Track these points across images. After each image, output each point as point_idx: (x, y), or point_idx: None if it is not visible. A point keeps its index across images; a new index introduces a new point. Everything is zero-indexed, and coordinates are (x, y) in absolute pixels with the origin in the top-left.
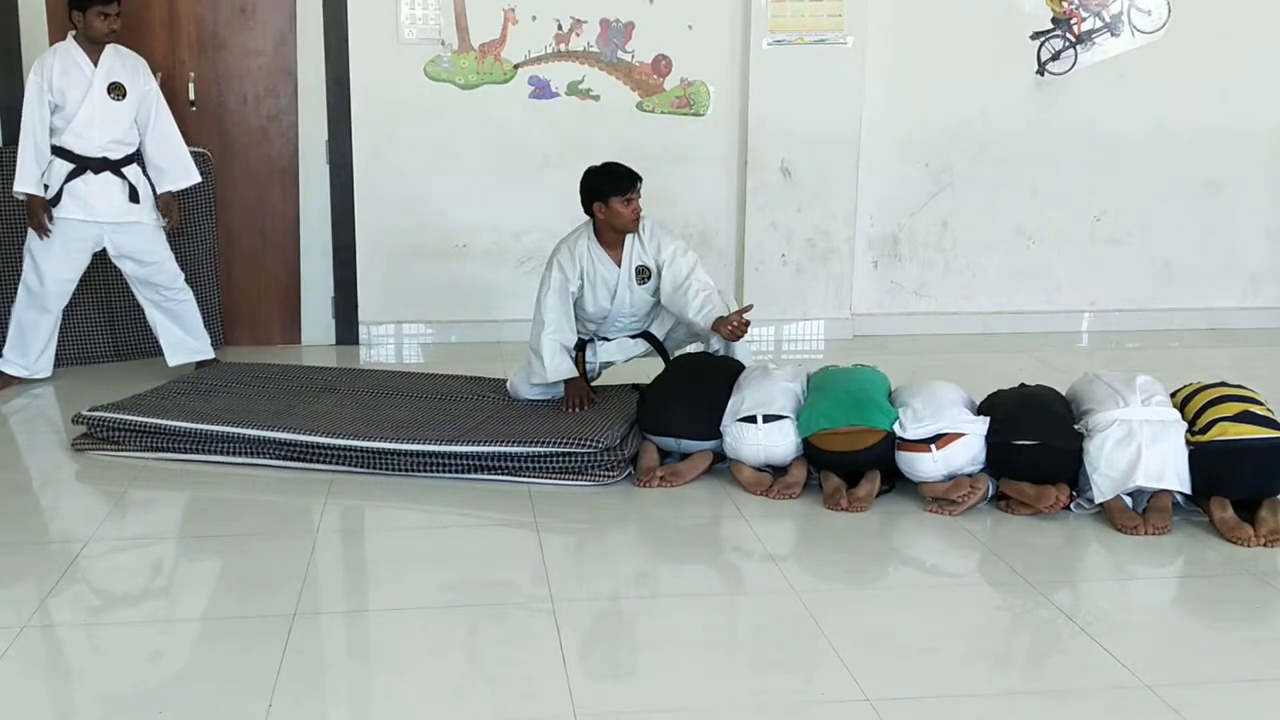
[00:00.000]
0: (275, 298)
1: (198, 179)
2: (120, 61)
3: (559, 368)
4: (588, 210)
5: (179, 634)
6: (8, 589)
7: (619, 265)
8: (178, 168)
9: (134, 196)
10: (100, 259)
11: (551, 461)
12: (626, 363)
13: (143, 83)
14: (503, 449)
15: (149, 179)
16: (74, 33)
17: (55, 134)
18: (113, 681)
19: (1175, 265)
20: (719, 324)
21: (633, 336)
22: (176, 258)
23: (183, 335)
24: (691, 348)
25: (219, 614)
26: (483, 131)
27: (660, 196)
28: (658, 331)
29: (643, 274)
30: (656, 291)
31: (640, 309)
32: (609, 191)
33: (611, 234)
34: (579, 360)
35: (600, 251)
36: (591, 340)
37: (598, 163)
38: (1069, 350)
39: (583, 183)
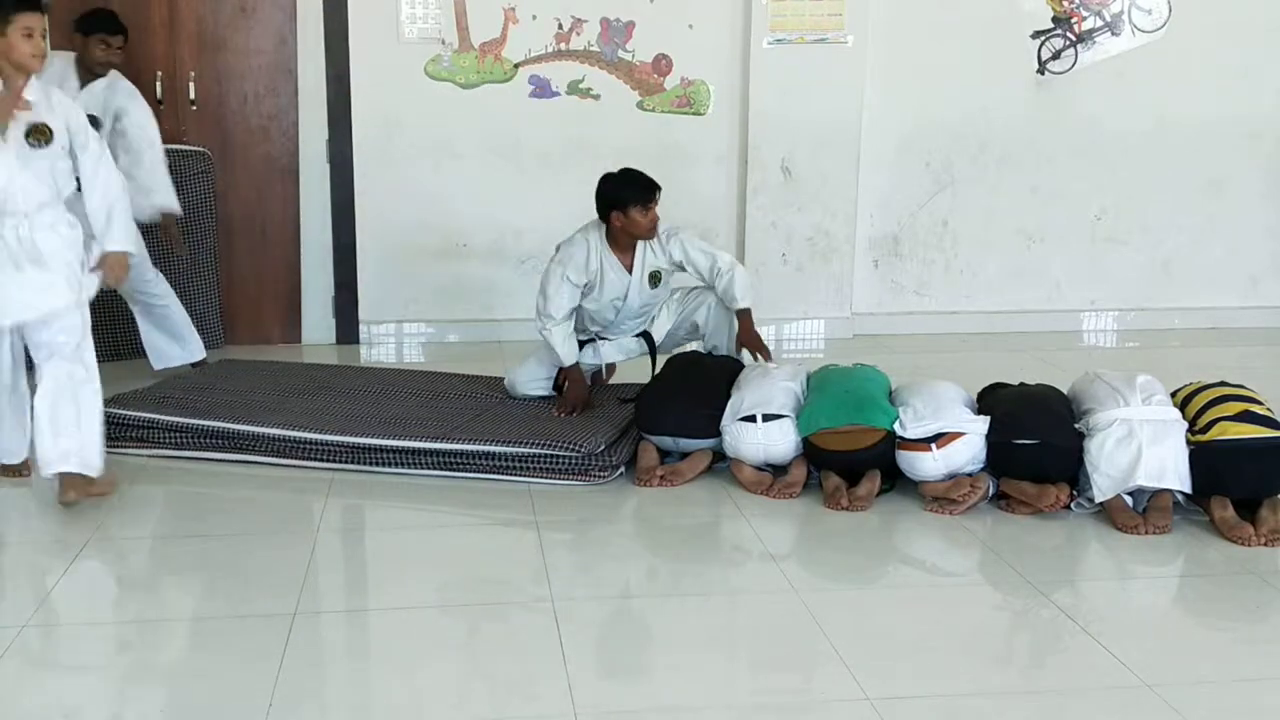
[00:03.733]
0: (275, 297)
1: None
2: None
3: (572, 351)
4: (604, 217)
5: (179, 633)
6: (8, 588)
7: (630, 271)
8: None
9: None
10: None
11: (536, 462)
12: (626, 361)
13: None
14: (486, 448)
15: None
16: (75, 55)
17: None
18: (112, 680)
19: (1175, 265)
20: (744, 334)
21: (634, 335)
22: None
23: (164, 342)
24: (691, 345)
25: (219, 613)
26: (483, 131)
27: (661, 196)
28: (657, 333)
29: (654, 279)
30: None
31: (647, 311)
32: (629, 200)
33: (626, 239)
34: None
35: (611, 257)
36: (593, 340)
37: (614, 169)
38: (1069, 350)
39: (599, 190)
